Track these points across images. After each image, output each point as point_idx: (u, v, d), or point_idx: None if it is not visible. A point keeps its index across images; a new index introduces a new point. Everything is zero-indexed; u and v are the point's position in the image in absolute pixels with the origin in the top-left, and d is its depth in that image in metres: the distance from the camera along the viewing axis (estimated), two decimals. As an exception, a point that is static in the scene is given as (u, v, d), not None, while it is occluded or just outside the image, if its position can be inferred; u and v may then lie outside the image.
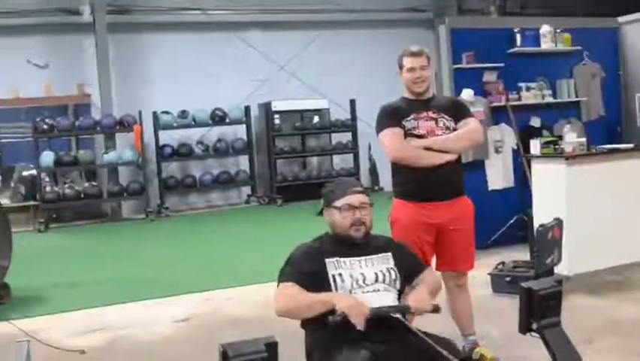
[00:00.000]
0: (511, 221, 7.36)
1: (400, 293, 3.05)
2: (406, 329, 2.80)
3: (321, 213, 3.38)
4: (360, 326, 2.71)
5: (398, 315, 2.82)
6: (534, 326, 2.44)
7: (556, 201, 5.87)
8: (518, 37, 7.64)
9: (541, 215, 5.81)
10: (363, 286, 2.95)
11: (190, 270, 7.92)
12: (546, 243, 5.20)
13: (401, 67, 4.08)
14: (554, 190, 5.98)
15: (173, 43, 13.53)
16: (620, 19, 8.26)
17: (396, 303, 2.98)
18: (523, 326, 2.48)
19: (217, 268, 7.95)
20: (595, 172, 6.08)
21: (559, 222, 5.38)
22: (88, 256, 9.49)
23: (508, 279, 5.74)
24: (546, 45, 7.72)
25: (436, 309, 2.94)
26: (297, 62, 14.21)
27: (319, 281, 2.93)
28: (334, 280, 2.94)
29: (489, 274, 5.93)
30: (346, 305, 2.75)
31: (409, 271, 3.13)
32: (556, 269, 5.33)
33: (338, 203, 3.12)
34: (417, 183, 3.99)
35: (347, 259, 3.02)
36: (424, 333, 2.81)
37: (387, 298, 2.95)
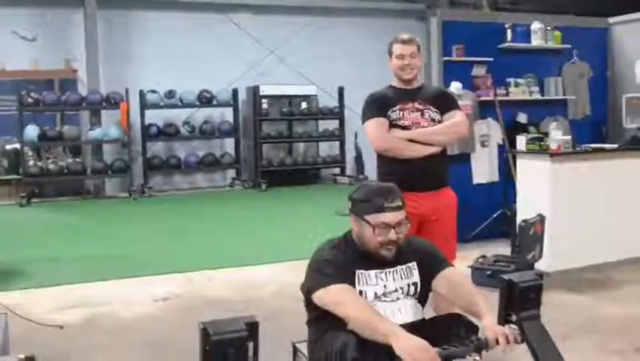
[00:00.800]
0: (495, 215, 7.40)
1: (420, 300, 2.84)
2: None
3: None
4: None
5: (477, 358, 2.40)
6: (513, 317, 2.46)
7: (539, 198, 5.92)
8: (509, 32, 7.66)
9: (524, 211, 5.86)
10: (381, 297, 2.73)
11: (172, 250, 7.90)
12: (528, 238, 5.25)
13: (390, 53, 4.07)
14: (538, 186, 6.03)
15: (163, 22, 13.43)
16: (611, 19, 8.30)
17: (417, 311, 2.78)
18: (502, 318, 2.49)
19: (199, 249, 7.93)
20: (579, 170, 6.14)
21: (541, 219, 5.44)
22: (69, 232, 9.45)
23: (488, 273, 5.77)
24: (536, 42, 7.74)
25: (517, 340, 2.45)
26: (287, 47, 14.16)
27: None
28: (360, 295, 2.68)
29: (469, 266, 5.95)
30: (407, 351, 2.30)
31: (431, 273, 2.82)
32: (537, 265, 5.38)
33: (372, 219, 2.69)
34: (401, 173, 3.96)
35: (371, 273, 2.73)
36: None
37: (404, 306, 2.75)
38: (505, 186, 7.40)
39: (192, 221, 10.19)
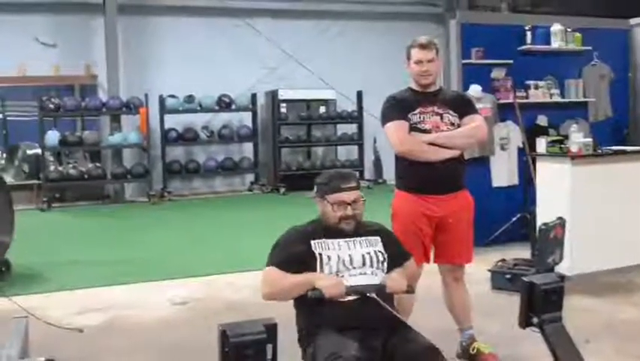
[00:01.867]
0: (514, 219, 7.35)
1: (383, 269, 3.17)
2: (380, 306, 2.92)
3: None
4: (339, 297, 2.91)
5: (373, 294, 2.94)
6: (534, 320, 2.44)
7: (559, 201, 5.87)
8: (529, 34, 7.61)
9: (544, 214, 5.81)
10: (350, 268, 3.06)
11: (191, 254, 7.93)
12: (548, 242, 5.19)
13: (409, 58, 4.07)
14: (558, 190, 5.97)
15: (182, 28, 13.51)
16: (632, 21, 8.23)
17: (375, 279, 3.09)
18: (523, 321, 2.47)
19: (218, 253, 7.95)
20: (600, 173, 6.08)
21: (562, 222, 5.37)
22: (89, 236, 9.51)
23: (508, 276, 5.74)
24: (556, 44, 7.68)
25: (410, 290, 3.12)
26: (305, 52, 14.17)
27: (307, 262, 3.06)
28: (321, 260, 3.06)
29: (489, 270, 5.92)
30: (324, 284, 2.92)
31: (394, 257, 3.23)
32: (557, 269, 5.32)
33: (330, 198, 3.18)
34: (419, 176, 4.01)
35: (334, 240, 3.14)
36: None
37: (374, 280, 3.06)
38: (525, 189, 7.34)
39: (211, 225, 10.21)
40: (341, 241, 3.15)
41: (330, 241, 3.14)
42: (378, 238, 3.24)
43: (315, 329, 2.94)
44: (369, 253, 3.14)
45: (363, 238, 3.20)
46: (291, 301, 3.14)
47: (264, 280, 3.12)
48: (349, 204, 3.16)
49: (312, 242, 3.13)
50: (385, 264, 3.16)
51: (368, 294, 2.95)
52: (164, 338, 4.90)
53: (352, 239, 3.17)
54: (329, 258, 3.07)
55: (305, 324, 3.07)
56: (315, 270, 3.05)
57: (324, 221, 3.24)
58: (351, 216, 3.17)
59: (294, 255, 3.09)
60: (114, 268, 7.19)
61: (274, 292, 3.08)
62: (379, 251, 3.17)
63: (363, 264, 3.10)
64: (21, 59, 12.36)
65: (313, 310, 2.99)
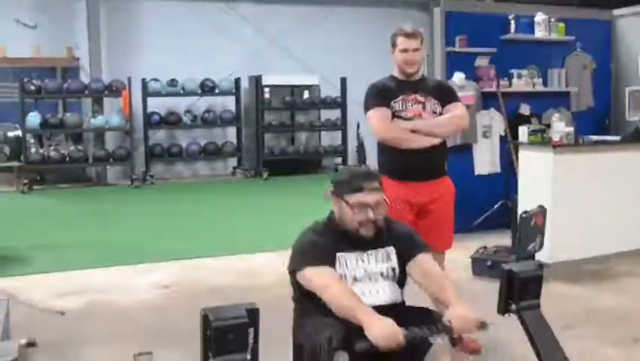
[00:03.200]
0: (496, 206, 7.39)
1: (400, 283, 2.90)
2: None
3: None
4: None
5: (440, 340, 2.52)
6: (513, 307, 2.47)
7: (541, 189, 5.92)
8: (512, 23, 7.64)
9: (525, 202, 5.86)
10: (361, 280, 2.81)
11: (173, 238, 7.92)
12: (529, 229, 5.25)
13: (394, 45, 4.09)
14: (540, 178, 6.03)
15: (166, 11, 13.40)
16: (615, 11, 8.28)
17: (395, 293, 2.84)
18: (502, 307, 2.50)
19: (200, 237, 7.95)
20: (581, 162, 6.14)
21: (542, 210, 5.43)
22: (71, 219, 9.47)
23: (489, 263, 5.78)
24: (540, 33, 7.72)
25: (482, 326, 2.60)
26: (289, 37, 14.11)
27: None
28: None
29: (470, 257, 5.97)
30: (377, 334, 2.42)
31: (407, 257, 2.90)
32: (538, 256, 5.38)
33: (350, 199, 2.81)
34: (402, 162, 4.04)
35: (351, 256, 2.83)
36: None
37: (383, 288, 2.84)
38: (507, 177, 7.39)
39: (193, 209, 10.20)
40: (357, 255, 2.83)
41: (350, 255, 2.82)
42: (392, 249, 2.89)
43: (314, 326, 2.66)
44: (382, 272, 2.85)
45: (379, 250, 2.87)
46: (280, 288, 3.05)
47: (314, 278, 2.72)
48: (371, 207, 2.81)
49: (338, 255, 2.81)
50: (397, 277, 2.88)
51: (433, 341, 2.52)
52: (146, 321, 4.91)
53: (369, 252, 2.85)
54: (344, 277, 2.79)
55: (303, 319, 2.81)
56: None
57: (340, 224, 2.89)
58: (372, 220, 2.81)
59: (322, 261, 2.75)
60: (95, 251, 7.17)
61: (330, 297, 2.64)
62: (394, 268, 2.87)
63: (375, 274, 2.83)
64: (1, 40, 12.21)
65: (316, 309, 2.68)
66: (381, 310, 2.58)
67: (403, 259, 2.89)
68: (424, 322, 2.57)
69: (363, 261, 2.84)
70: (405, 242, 2.94)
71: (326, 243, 2.83)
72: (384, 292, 2.82)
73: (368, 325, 2.46)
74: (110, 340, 4.48)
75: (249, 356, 2.13)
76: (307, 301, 2.80)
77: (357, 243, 2.85)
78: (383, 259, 2.88)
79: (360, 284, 2.79)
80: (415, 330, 2.50)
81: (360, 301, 2.62)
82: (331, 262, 2.78)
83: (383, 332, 2.43)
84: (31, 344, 4.23)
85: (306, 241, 2.85)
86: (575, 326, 4.45)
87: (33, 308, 4.92)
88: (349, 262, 2.82)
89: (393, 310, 2.63)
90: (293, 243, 2.92)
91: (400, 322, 2.48)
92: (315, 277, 2.72)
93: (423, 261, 2.88)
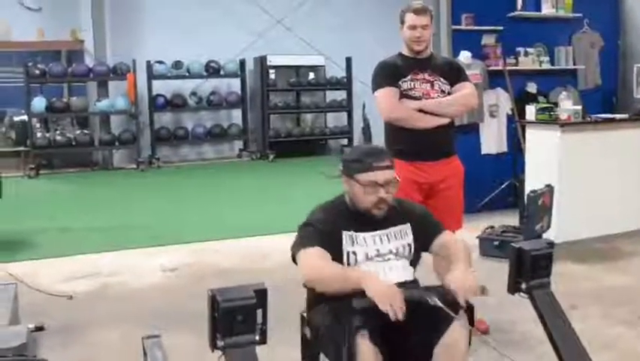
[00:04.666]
0: (503, 186, 7.37)
1: (412, 262, 2.87)
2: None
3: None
4: (393, 316, 2.38)
5: (438, 302, 2.46)
6: (523, 286, 2.45)
7: (548, 168, 5.89)
8: (519, 0, 7.56)
9: (533, 181, 5.84)
10: (373, 259, 2.77)
11: (180, 221, 7.92)
12: (536, 209, 5.22)
13: (402, 22, 4.03)
14: (547, 157, 6.00)
15: (170, -7, 13.34)
16: (623, -12, 8.19)
17: (407, 271, 2.81)
18: (512, 286, 2.48)
19: (207, 220, 7.95)
20: (589, 141, 6.10)
21: (550, 189, 5.40)
22: (78, 203, 9.48)
23: (496, 243, 5.77)
24: (547, 10, 7.65)
25: (482, 291, 2.67)
26: (294, 17, 14.03)
27: (332, 248, 2.72)
28: (348, 257, 2.74)
29: (477, 237, 5.95)
30: (376, 291, 2.44)
31: (427, 237, 2.90)
32: (545, 235, 5.36)
33: (361, 178, 2.75)
34: (409, 142, 4.00)
35: (363, 235, 2.78)
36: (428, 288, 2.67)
37: (395, 266, 2.79)
38: (514, 156, 7.36)
39: (200, 192, 10.20)
40: (369, 235, 2.78)
41: (358, 235, 2.77)
42: (408, 226, 2.86)
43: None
44: (397, 248, 2.81)
45: (392, 228, 2.83)
46: (288, 270, 2.97)
47: (305, 263, 2.68)
48: (382, 185, 2.76)
49: (344, 233, 2.76)
50: (411, 255, 2.85)
51: (431, 302, 2.47)
52: (154, 304, 4.91)
53: (381, 232, 2.81)
54: (356, 256, 2.75)
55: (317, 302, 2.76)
56: (339, 262, 2.71)
57: (351, 204, 2.85)
58: (384, 199, 2.76)
59: (327, 236, 2.72)
60: (103, 234, 7.18)
61: (313, 279, 2.66)
62: (408, 245, 2.84)
63: (389, 253, 2.79)
64: (5, 24, 12.16)
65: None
66: None
67: (421, 238, 2.87)
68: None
69: (375, 240, 2.80)
70: (421, 221, 2.92)
71: (333, 222, 2.79)
72: (397, 271, 2.78)
73: (366, 284, 2.47)
74: (118, 323, 4.49)
75: (257, 338, 2.12)
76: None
77: (370, 222, 2.80)
78: (398, 237, 2.84)
79: (371, 263, 2.75)
80: (414, 292, 2.52)
81: (356, 268, 2.65)
82: (335, 242, 2.74)
83: (381, 289, 2.43)
84: (39, 328, 4.25)
85: (307, 223, 2.82)
86: (581, 306, 4.43)
87: (41, 292, 4.93)
88: (359, 240, 2.78)
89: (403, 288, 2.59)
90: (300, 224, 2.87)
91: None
92: (305, 257, 2.69)
93: (443, 238, 2.90)
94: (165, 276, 5.65)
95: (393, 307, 2.38)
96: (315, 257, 2.66)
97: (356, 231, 2.78)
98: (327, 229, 2.75)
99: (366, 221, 2.80)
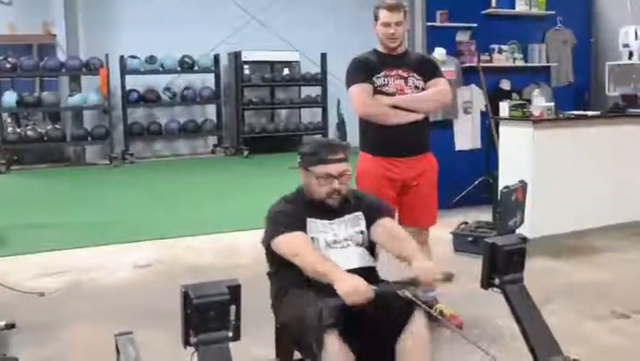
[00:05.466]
0: (477, 182, 7.40)
1: (370, 250, 2.97)
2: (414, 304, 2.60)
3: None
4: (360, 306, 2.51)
5: (408, 293, 2.55)
6: (496, 281, 2.45)
7: (521, 164, 5.92)
8: (493, -3, 7.62)
9: (506, 177, 5.85)
10: (332, 245, 2.88)
11: (153, 217, 7.87)
12: (509, 205, 5.24)
13: (376, 18, 4.03)
14: (520, 153, 6.03)
15: (143, -13, 13.22)
16: (596, -14, 8.27)
17: (365, 258, 2.90)
18: (485, 282, 2.49)
19: (180, 215, 7.90)
20: (561, 137, 6.15)
21: (523, 185, 5.42)
22: (49, 199, 9.38)
23: (470, 239, 5.80)
24: (521, 7, 7.72)
25: (448, 278, 2.74)
26: (269, 13, 13.97)
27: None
28: (312, 242, 2.84)
29: (451, 233, 5.98)
30: (345, 289, 2.51)
31: (372, 221, 3.00)
32: (518, 231, 5.38)
33: (316, 170, 2.90)
34: (383, 139, 4.01)
35: (320, 222, 2.91)
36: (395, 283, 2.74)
37: (354, 253, 2.89)
38: (488, 152, 7.40)
39: (173, 188, 10.13)
40: (326, 222, 2.92)
41: (319, 222, 2.90)
42: (361, 214, 3.00)
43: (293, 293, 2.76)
44: (352, 236, 2.93)
45: (347, 216, 2.96)
46: (261, 266, 3.04)
47: (288, 241, 2.79)
48: (336, 177, 2.90)
49: (308, 220, 2.89)
50: (366, 242, 2.96)
51: (401, 294, 2.56)
52: (127, 300, 4.87)
53: (337, 220, 2.94)
54: (317, 241, 2.86)
55: (281, 290, 2.88)
56: None
57: (307, 194, 2.99)
58: (338, 190, 2.91)
59: (294, 228, 2.83)
60: (74, 231, 7.11)
61: (294, 254, 2.76)
62: (362, 231, 2.96)
63: (345, 240, 2.91)
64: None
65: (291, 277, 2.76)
66: (353, 273, 2.65)
67: (370, 223, 2.99)
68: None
69: (332, 228, 2.92)
70: (372, 207, 3.05)
71: (297, 209, 2.93)
72: (356, 257, 2.88)
73: (338, 282, 2.55)
74: (90, 320, 4.44)
75: (230, 334, 2.10)
76: (285, 274, 2.84)
77: (326, 211, 2.94)
78: (351, 225, 2.96)
79: (331, 250, 2.85)
80: (382, 285, 2.65)
81: (331, 263, 2.70)
82: (302, 228, 2.86)
83: (351, 287, 2.51)
84: (10, 326, 4.19)
85: (276, 210, 2.94)
86: (554, 301, 4.47)
87: (12, 290, 4.86)
88: (319, 228, 2.90)
89: (364, 274, 2.68)
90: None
91: (371, 283, 2.58)
92: (288, 243, 2.80)
93: (387, 223, 3.01)
94: (138, 272, 5.60)
95: (364, 302, 2.49)
96: (298, 238, 2.79)
97: (315, 218, 2.91)
98: (292, 216, 2.88)
99: (323, 210, 2.94)
